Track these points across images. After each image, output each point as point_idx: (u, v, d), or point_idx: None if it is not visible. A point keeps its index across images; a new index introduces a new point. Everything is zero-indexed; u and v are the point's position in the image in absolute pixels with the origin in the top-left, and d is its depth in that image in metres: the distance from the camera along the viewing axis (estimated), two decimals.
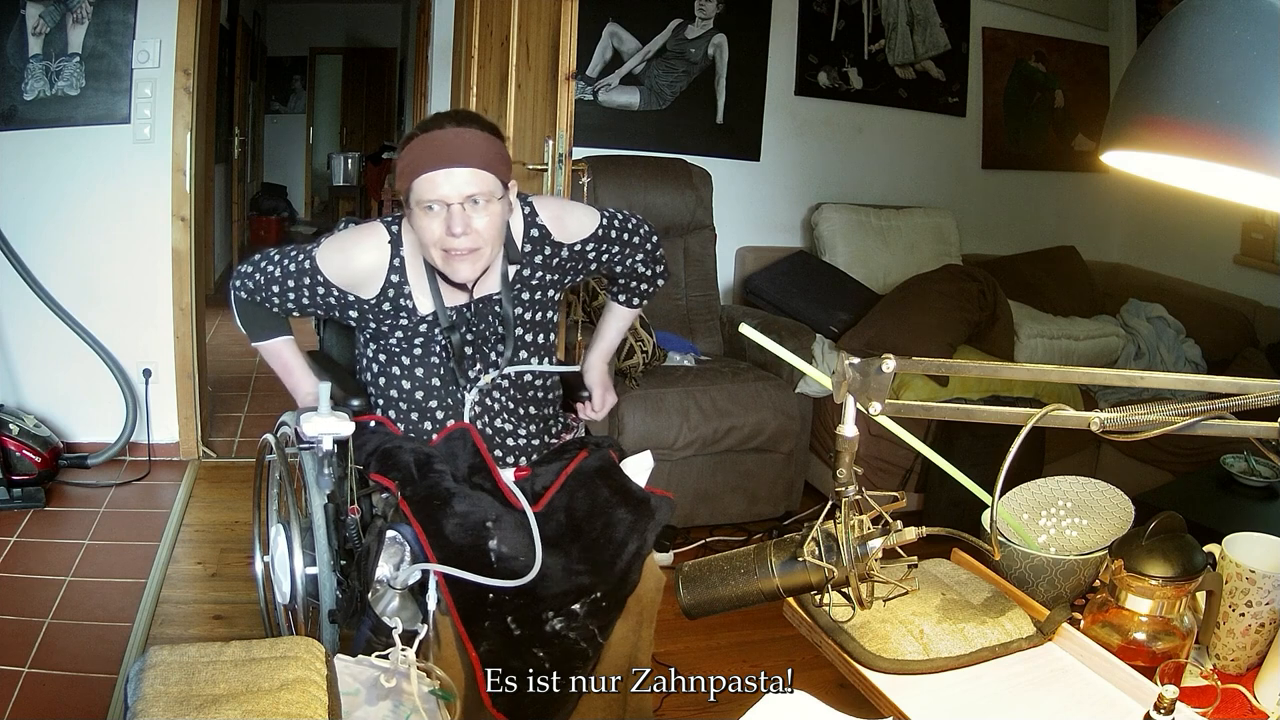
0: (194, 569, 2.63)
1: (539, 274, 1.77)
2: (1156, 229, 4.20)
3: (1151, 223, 4.22)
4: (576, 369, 1.99)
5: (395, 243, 1.70)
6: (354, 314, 1.74)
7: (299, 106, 9.43)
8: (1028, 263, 3.96)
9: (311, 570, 1.60)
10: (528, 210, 1.75)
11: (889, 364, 1.00)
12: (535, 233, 1.75)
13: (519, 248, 1.73)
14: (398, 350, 1.75)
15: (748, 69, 3.72)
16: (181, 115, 3.13)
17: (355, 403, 1.72)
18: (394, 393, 1.77)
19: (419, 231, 1.62)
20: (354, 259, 1.69)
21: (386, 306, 1.71)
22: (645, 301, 2.01)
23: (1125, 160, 0.85)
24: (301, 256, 1.71)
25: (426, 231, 1.61)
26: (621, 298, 1.99)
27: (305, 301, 1.74)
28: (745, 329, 1.20)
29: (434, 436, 1.75)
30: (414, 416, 1.77)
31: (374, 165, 8.72)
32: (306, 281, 1.71)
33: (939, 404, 1.13)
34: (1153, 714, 0.94)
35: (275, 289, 1.74)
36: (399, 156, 1.65)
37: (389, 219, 1.73)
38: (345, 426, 1.55)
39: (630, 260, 1.89)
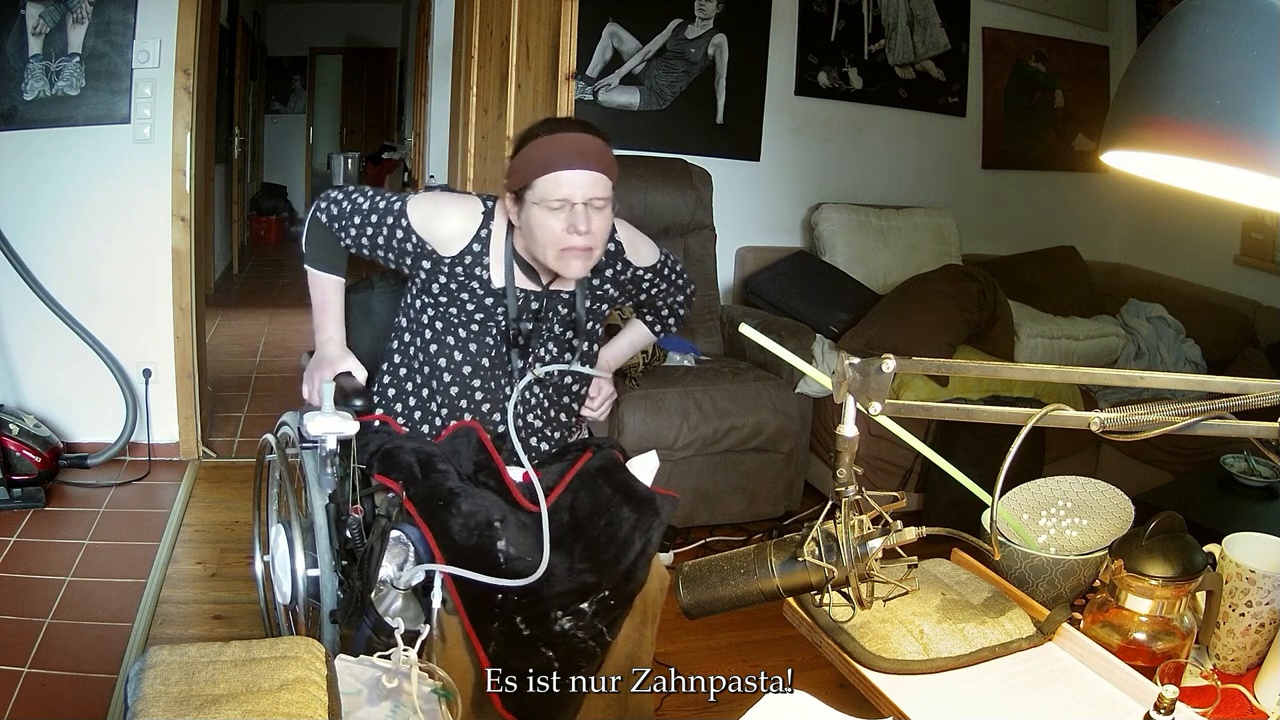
0: (194, 569, 2.63)
1: (605, 286, 1.85)
2: (1156, 229, 4.20)
3: (1151, 223, 4.22)
4: (605, 375, 2.03)
5: (488, 215, 1.76)
6: (426, 266, 1.76)
7: (299, 106, 9.43)
8: (1028, 263, 3.96)
9: (313, 571, 1.60)
10: None
11: (889, 364, 1.00)
12: (612, 247, 1.84)
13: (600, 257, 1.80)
14: (456, 322, 1.77)
15: (748, 69, 3.71)
16: (181, 115, 3.13)
17: (358, 403, 1.72)
18: (442, 361, 1.78)
19: (536, 229, 1.66)
20: (443, 217, 1.75)
21: (460, 271, 1.74)
22: (666, 334, 2.12)
23: (1125, 160, 0.85)
24: (394, 198, 1.78)
25: (545, 230, 1.65)
26: (650, 318, 2.08)
27: (380, 241, 1.77)
28: (745, 329, 1.20)
29: (451, 424, 1.77)
30: (453, 391, 1.78)
31: (374, 165, 8.72)
32: (389, 221, 1.75)
33: (939, 404, 1.13)
34: (1153, 714, 0.94)
35: (357, 220, 1.78)
36: (516, 154, 1.69)
37: (485, 195, 1.80)
38: (349, 426, 1.55)
39: (672, 299, 2.04)
